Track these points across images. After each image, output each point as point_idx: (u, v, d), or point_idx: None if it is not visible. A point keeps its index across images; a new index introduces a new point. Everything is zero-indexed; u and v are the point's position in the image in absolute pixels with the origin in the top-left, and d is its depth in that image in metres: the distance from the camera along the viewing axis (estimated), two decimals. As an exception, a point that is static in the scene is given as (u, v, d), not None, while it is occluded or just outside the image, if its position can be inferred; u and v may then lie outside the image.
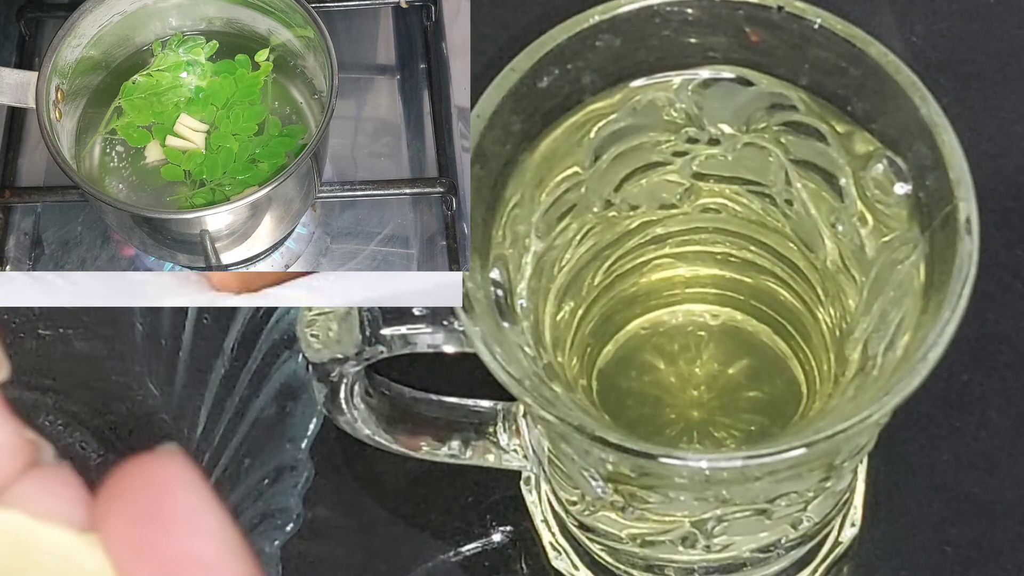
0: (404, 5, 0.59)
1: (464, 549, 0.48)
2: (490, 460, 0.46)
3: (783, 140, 0.40)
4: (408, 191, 0.55)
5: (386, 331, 0.40)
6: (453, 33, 0.57)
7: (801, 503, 0.41)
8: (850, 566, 0.47)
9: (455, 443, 0.45)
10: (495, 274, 0.38)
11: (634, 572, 0.45)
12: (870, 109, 0.39)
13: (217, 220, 0.50)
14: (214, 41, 0.55)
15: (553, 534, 0.47)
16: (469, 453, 0.45)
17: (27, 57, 0.59)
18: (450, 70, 0.57)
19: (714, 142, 0.41)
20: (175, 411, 0.50)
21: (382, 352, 0.40)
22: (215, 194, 0.52)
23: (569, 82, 0.40)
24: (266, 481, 0.45)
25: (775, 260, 0.42)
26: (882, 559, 0.47)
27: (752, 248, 0.43)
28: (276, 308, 0.47)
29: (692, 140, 0.41)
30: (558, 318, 0.41)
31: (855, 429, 0.35)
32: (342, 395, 0.42)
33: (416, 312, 0.40)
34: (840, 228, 0.40)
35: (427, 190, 0.55)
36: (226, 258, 0.52)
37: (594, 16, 0.39)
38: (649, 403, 0.44)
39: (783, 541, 0.43)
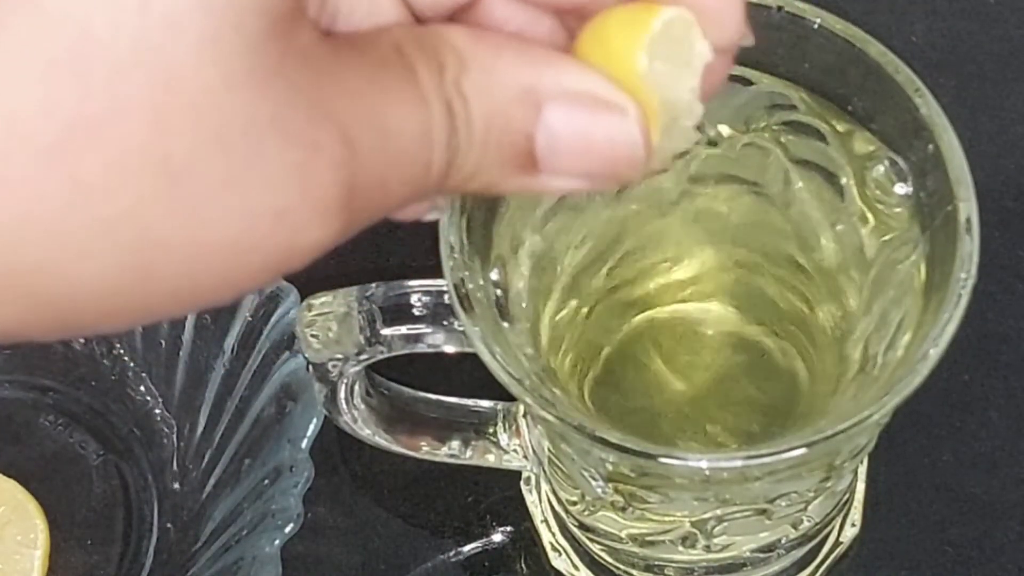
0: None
1: (464, 549, 0.48)
2: (490, 460, 0.46)
3: (783, 140, 0.40)
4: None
5: (386, 331, 0.40)
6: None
7: (801, 503, 0.41)
8: (850, 566, 0.47)
9: (455, 443, 0.45)
10: (495, 274, 0.38)
11: (634, 572, 0.45)
12: (870, 109, 0.39)
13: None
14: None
15: (553, 534, 0.47)
16: (469, 453, 0.45)
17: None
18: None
19: (713, 142, 0.41)
20: (175, 411, 0.50)
21: (382, 352, 0.40)
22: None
23: (569, 82, 0.40)
24: (266, 481, 0.45)
25: (775, 260, 0.42)
26: (882, 559, 0.47)
27: (752, 248, 0.43)
28: (276, 308, 0.47)
29: (692, 140, 0.41)
30: (558, 318, 0.41)
31: (855, 429, 0.35)
32: (342, 395, 0.42)
33: (416, 312, 0.40)
34: (840, 228, 0.40)
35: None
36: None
37: (594, 16, 0.39)
38: (649, 403, 0.44)
39: (783, 541, 0.43)
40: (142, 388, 0.51)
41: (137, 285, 0.24)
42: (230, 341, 0.48)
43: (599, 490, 0.41)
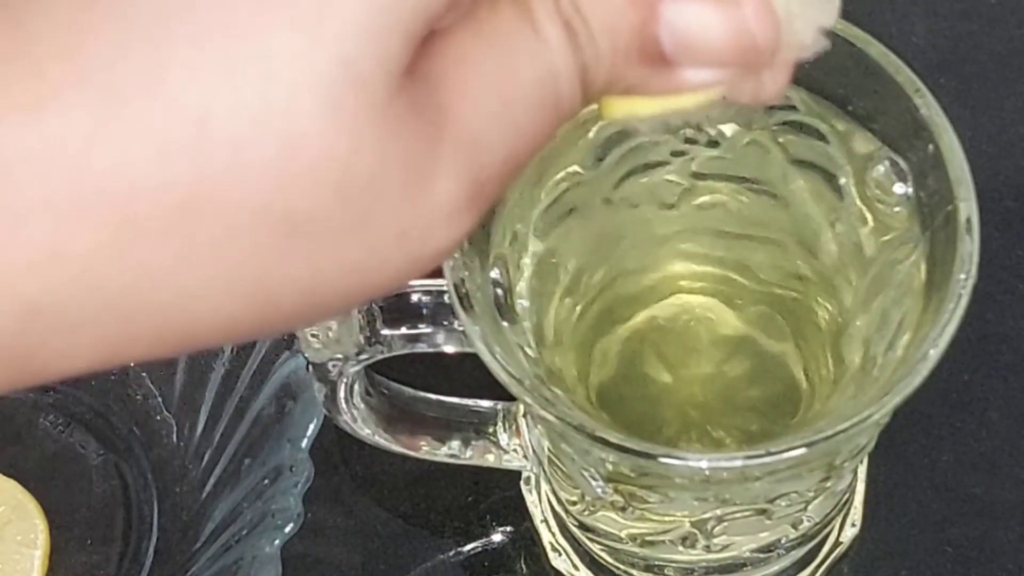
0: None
1: (464, 549, 0.48)
2: (490, 460, 0.46)
3: (783, 139, 0.40)
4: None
5: (386, 331, 0.40)
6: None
7: (801, 503, 0.41)
8: (850, 566, 0.47)
9: (455, 443, 0.45)
10: (495, 273, 0.38)
11: (634, 572, 0.45)
12: (870, 109, 0.39)
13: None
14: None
15: (553, 534, 0.47)
16: (469, 453, 0.45)
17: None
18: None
19: (713, 142, 0.41)
20: (175, 411, 0.50)
21: (382, 352, 0.40)
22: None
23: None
24: (266, 481, 0.45)
25: (775, 260, 0.42)
26: (882, 559, 0.47)
27: (752, 248, 0.43)
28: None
29: (691, 141, 0.41)
30: (558, 317, 0.41)
31: (855, 429, 0.35)
32: (342, 395, 0.42)
33: (416, 312, 0.40)
34: (840, 228, 0.40)
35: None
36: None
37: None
38: (649, 403, 0.44)
39: (783, 541, 0.43)
40: (142, 388, 0.51)
41: (258, 316, 0.25)
42: (230, 341, 0.48)
43: (599, 490, 0.41)
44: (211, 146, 0.23)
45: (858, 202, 0.40)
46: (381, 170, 0.24)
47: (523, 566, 0.48)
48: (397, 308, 0.40)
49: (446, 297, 0.38)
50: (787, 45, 0.29)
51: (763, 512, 0.40)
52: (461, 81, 0.25)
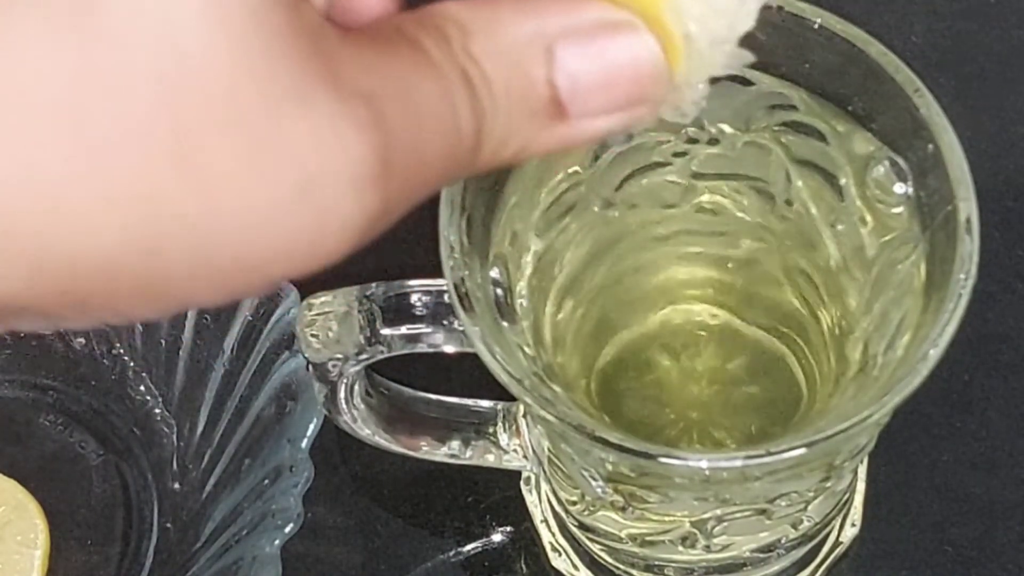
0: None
1: (464, 549, 0.48)
2: (490, 460, 0.46)
3: (783, 140, 0.40)
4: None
5: (386, 331, 0.40)
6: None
7: (801, 503, 0.41)
8: (850, 566, 0.47)
9: (455, 443, 0.45)
10: (495, 273, 0.38)
11: (634, 572, 0.45)
12: (870, 109, 0.39)
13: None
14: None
15: (553, 534, 0.47)
16: (469, 453, 0.45)
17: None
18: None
19: (714, 141, 0.41)
20: (175, 411, 0.50)
21: (382, 352, 0.40)
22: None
23: (569, 82, 0.40)
24: (266, 481, 0.45)
25: (775, 260, 0.42)
26: (882, 559, 0.47)
27: (752, 248, 0.43)
28: (276, 308, 0.47)
29: (692, 140, 0.41)
30: (558, 318, 0.41)
31: (855, 429, 0.35)
32: (342, 395, 0.42)
33: (416, 312, 0.40)
34: (840, 228, 0.40)
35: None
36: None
37: (594, 16, 0.39)
38: (649, 403, 0.44)
39: (783, 541, 0.43)
40: (142, 388, 0.51)
41: (146, 262, 0.23)
42: (230, 341, 0.48)
43: (599, 490, 0.41)
44: (95, 31, 0.22)
45: (858, 202, 0.40)
46: (273, 91, 0.23)
47: (523, 566, 0.48)
48: (397, 308, 0.40)
49: (446, 297, 0.38)
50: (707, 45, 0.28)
51: (763, 512, 0.40)
52: (363, 70, 0.24)
